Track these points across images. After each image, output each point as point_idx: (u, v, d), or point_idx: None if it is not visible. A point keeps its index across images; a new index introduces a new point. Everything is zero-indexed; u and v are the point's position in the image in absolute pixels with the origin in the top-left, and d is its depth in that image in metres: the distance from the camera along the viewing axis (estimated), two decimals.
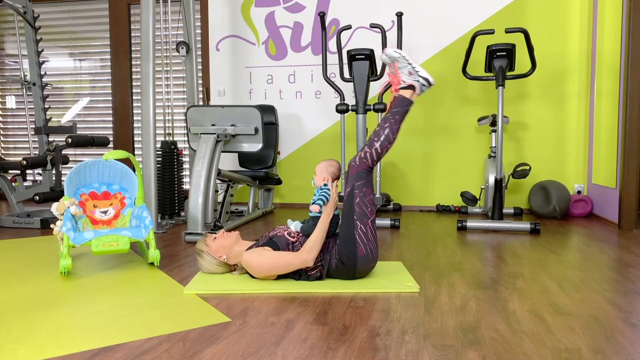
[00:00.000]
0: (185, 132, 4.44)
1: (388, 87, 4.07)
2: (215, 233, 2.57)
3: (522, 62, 4.57)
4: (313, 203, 2.26)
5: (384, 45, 3.85)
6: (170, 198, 4.08)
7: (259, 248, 2.26)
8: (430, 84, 2.34)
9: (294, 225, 2.36)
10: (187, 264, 2.69)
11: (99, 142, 4.05)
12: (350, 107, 3.85)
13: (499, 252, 2.97)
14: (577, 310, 1.92)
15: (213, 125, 3.60)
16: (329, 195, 2.28)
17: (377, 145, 2.27)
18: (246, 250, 2.29)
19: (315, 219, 2.28)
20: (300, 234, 2.32)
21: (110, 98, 5.53)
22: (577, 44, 4.51)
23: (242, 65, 5.10)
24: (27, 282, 2.34)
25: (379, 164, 4.12)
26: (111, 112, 5.52)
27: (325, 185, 2.33)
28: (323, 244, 2.27)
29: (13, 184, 4.09)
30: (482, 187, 4.38)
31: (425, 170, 4.82)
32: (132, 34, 5.44)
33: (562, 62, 4.54)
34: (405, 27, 4.77)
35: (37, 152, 5.52)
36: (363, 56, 3.72)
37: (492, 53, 3.65)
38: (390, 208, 4.77)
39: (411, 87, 2.33)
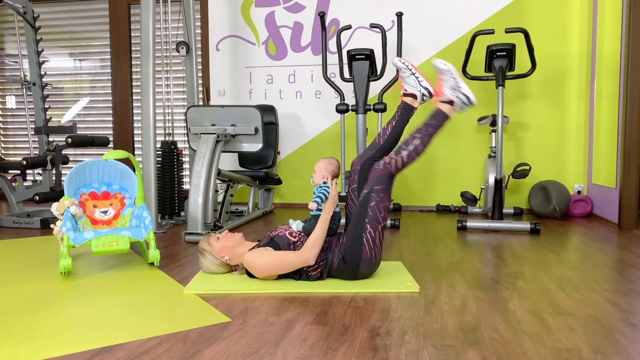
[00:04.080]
0: (185, 132, 4.44)
1: (392, 84, 4.05)
2: (218, 233, 2.57)
3: (522, 62, 4.57)
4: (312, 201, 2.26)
5: (384, 45, 3.85)
6: (170, 198, 4.08)
7: (261, 248, 2.26)
8: (470, 103, 2.27)
9: (296, 225, 2.36)
10: (187, 264, 2.69)
11: (99, 142, 4.05)
12: (350, 107, 3.85)
13: (499, 252, 2.97)
14: (577, 310, 1.92)
15: (213, 125, 3.60)
16: (328, 192, 2.27)
17: (404, 153, 2.24)
18: (248, 251, 2.29)
19: (317, 218, 2.27)
20: (302, 234, 2.31)
21: (110, 98, 5.53)
22: (577, 44, 4.51)
23: (242, 65, 5.10)
24: (27, 282, 2.34)
25: None
26: (111, 112, 5.52)
27: (324, 183, 2.33)
28: (324, 243, 2.27)
29: (13, 184, 4.08)
30: (482, 187, 4.38)
31: (425, 170, 4.82)
32: (132, 34, 5.44)
33: (562, 62, 4.54)
34: (405, 27, 4.77)
35: (37, 152, 5.52)
36: (363, 56, 3.71)
37: (492, 53, 3.65)
38: (390, 208, 4.77)
39: (451, 102, 2.30)
